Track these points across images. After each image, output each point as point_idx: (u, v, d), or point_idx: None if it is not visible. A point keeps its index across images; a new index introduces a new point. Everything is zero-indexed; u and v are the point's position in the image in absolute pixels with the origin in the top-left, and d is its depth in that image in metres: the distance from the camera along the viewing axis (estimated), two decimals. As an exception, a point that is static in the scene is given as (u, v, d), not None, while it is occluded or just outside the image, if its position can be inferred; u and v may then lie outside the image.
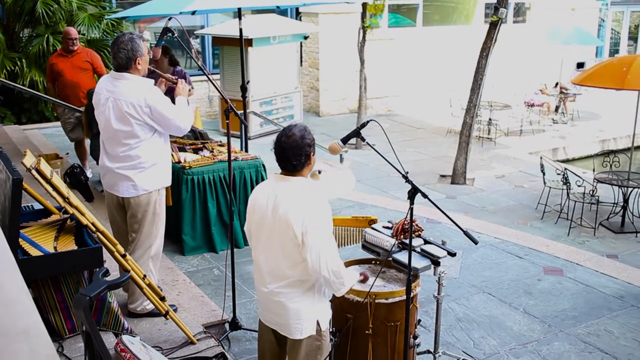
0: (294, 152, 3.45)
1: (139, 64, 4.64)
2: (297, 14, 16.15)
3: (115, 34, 11.30)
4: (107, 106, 4.63)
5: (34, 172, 3.97)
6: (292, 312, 3.56)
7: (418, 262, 4.15)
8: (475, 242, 3.77)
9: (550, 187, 9.58)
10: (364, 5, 12.73)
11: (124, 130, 4.61)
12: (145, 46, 4.73)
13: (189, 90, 5.15)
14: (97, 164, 7.60)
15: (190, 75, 14.39)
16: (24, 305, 1.64)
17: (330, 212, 3.53)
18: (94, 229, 4.20)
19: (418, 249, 4.28)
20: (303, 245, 3.38)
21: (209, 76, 5.12)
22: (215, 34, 13.22)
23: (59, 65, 8.41)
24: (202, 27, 14.86)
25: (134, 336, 4.25)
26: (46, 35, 11.88)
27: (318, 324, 3.61)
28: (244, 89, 7.20)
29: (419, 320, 4.50)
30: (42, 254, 4.07)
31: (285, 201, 3.44)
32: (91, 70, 8.55)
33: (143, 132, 4.62)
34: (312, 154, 3.53)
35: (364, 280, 4.18)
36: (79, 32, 12.15)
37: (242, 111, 6.80)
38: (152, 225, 4.88)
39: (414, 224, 4.01)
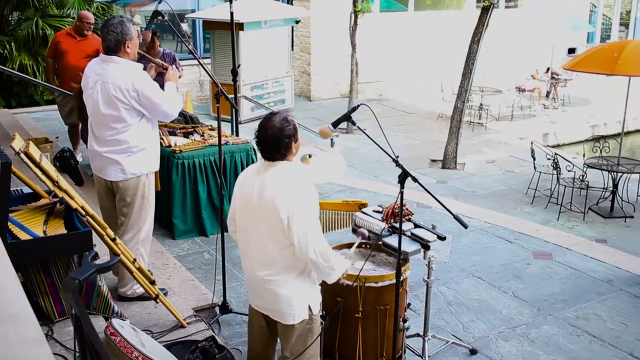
0: (272, 144, 3.44)
1: (128, 47, 4.62)
2: (289, -2, 16.09)
3: (106, 18, 11.19)
4: (96, 89, 4.62)
5: (22, 155, 3.95)
6: (284, 298, 3.56)
7: (408, 246, 4.17)
8: (465, 227, 3.78)
9: (540, 172, 9.61)
10: (356, -11, 12.69)
11: (112, 114, 4.59)
12: (135, 30, 4.70)
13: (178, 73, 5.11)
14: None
15: (181, 59, 14.29)
16: (12, 290, 1.63)
17: (316, 196, 3.53)
18: (83, 212, 4.19)
19: (408, 233, 4.29)
20: (289, 229, 3.38)
21: (200, 60, 5.10)
22: (206, 17, 13.15)
23: (63, 44, 8.23)
24: (193, 10, 14.78)
25: (124, 320, 4.25)
26: (35, 19, 11.79)
27: (310, 308, 3.62)
28: (234, 73, 7.17)
29: (409, 304, 4.52)
30: (31, 237, 4.06)
31: (270, 185, 3.44)
32: (94, 58, 8.44)
33: (130, 116, 4.60)
34: (292, 143, 3.49)
35: (363, 238, 4.17)
36: (68, 16, 12.09)
37: (233, 95, 6.78)
38: (141, 209, 4.88)
39: (404, 208, 4.03)
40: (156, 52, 7.82)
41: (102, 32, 4.63)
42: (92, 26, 8.30)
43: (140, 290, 4.93)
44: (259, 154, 3.63)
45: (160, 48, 7.87)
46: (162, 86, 4.87)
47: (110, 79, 4.56)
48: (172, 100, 4.76)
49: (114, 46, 4.59)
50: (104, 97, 4.58)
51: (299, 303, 3.58)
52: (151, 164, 4.88)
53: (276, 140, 3.44)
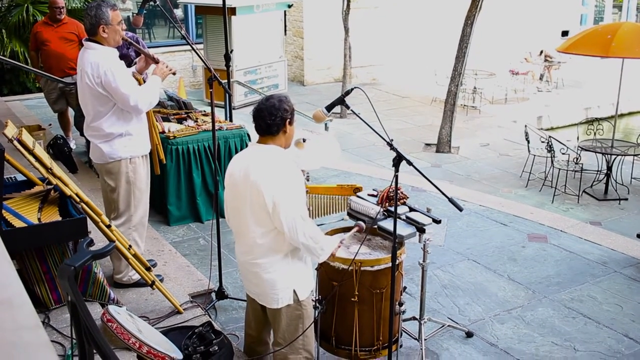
0: (270, 111, 3.47)
1: (104, 31, 4.58)
2: (281, -18, 15.98)
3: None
4: (80, 77, 4.66)
5: (15, 143, 3.93)
6: (267, 282, 3.58)
7: (403, 229, 4.17)
8: (460, 209, 3.78)
9: (534, 155, 9.62)
10: (348, -28, 12.62)
11: (87, 100, 4.65)
12: (116, 15, 4.64)
13: (170, 69, 5.02)
14: (80, 134, 7.56)
15: (174, 45, 14.21)
16: (6, 275, 1.62)
17: (302, 180, 3.55)
18: (78, 199, 4.18)
19: (403, 217, 4.29)
20: (274, 213, 3.39)
21: (193, 45, 5.06)
22: (198, 2, 13.08)
23: (43, 34, 8.26)
24: (185, -5, 14.69)
25: (121, 306, 4.25)
26: (26, 5, 11.69)
27: (295, 293, 3.63)
28: (227, 58, 7.13)
29: (405, 288, 4.52)
30: (26, 225, 4.05)
31: (256, 169, 3.45)
32: (77, 42, 8.39)
33: (99, 103, 4.60)
34: (288, 120, 3.53)
35: (359, 231, 4.17)
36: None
37: (226, 80, 6.75)
38: (129, 194, 4.86)
39: (399, 191, 4.02)
40: None
41: (83, 17, 4.68)
42: (63, 9, 8.30)
43: (136, 277, 4.93)
44: (253, 141, 3.64)
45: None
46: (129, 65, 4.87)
47: (85, 66, 4.58)
48: (145, 94, 4.67)
49: (89, 29, 4.62)
50: (82, 84, 4.64)
51: (282, 287, 3.59)
52: (133, 149, 4.81)
53: (274, 108, 3.47)
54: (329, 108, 4.03)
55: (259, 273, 3.58)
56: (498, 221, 7.34)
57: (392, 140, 3.74)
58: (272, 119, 3.46)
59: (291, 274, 3.62)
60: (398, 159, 3.69)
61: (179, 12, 15.13)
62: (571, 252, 6.57)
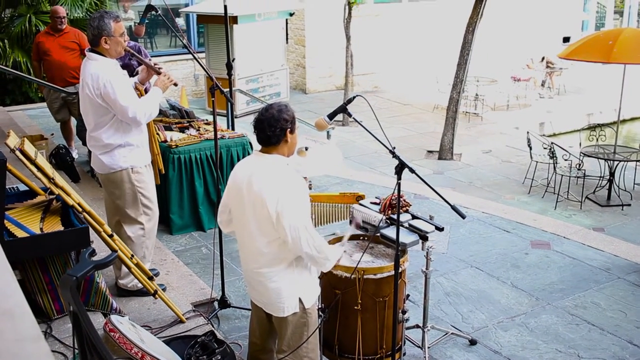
0: (269, 123, 3.44)
1: (106, 43, 4.59)
2: (282, -9, 16.00)
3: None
4: (82, 87, 4.69)
5: (18, 153, 3.93)
6: (273, 291, 3.57)
7: (406, 237, 4.17)
8: (463, 217, 3.78)
9: (537, 162, 9.61)
10: (350, -19, 12.63)
11: (88, 110, 4.67)
12: (119, 27, 4.65)
13: (171, 81, 5.00)
14: (83, 144, 7.57)
15: (176, 54, 14.24)
16: (8, 286, 1.62)
17: (306, 189, 3.54)
18: (80, 209, 4.18)
19: (406, 224, 4.29)
20: (278, 223, 3.38)
21: (194, 54, 5.07)
22: (200, 11, 13.11)
23: (45, 44, 8.30)
24: (187, 4, 14.73)
25: (123, 316, 4.25)
26: (28, 15, 11.71)
27: (301, 301, 3.62)
28: (229, 66, 7.15)
29: (408, 295, 4.52)
30: (28, 235, 4.05)
31: (259, 178, 3.44)
32: (78, 51, 8.42)
33: (98, 114, 4.61)
34: (288, 129, 3.50)
35: (357, 226, 4.19)
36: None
37: (228, 89, 6.77)
38: (136, 202, 4.86)
39: (401, 199, 4.02)
40: None
41: (86, 27, 4.71)
42: (64, 19, 8.33)
43: (140, 284, 4.92)
44: (255, 149, 3.63)
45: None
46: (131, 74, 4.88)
47: (85, 77, 4.60)
48: (144, 106, 4.66)
49: (92, 40, 4.64)
50: (83, 94, 4.66)
51: (288, 295, 3.58)
52: (133, 159, 4.81)
53: (274, 119, 3.44)
54: (331, 116, 4.04)
55: (264, 282, 3.57)
56: (501, 228, 7.33)
57: (394, 147, 3.74)
58: (272, 130, 3.44)
59: (296, 282, 3.61)
60: (400, 167, 3.69)
61: (180, 21, 15.17)
62: (574, 258, 6.56)
